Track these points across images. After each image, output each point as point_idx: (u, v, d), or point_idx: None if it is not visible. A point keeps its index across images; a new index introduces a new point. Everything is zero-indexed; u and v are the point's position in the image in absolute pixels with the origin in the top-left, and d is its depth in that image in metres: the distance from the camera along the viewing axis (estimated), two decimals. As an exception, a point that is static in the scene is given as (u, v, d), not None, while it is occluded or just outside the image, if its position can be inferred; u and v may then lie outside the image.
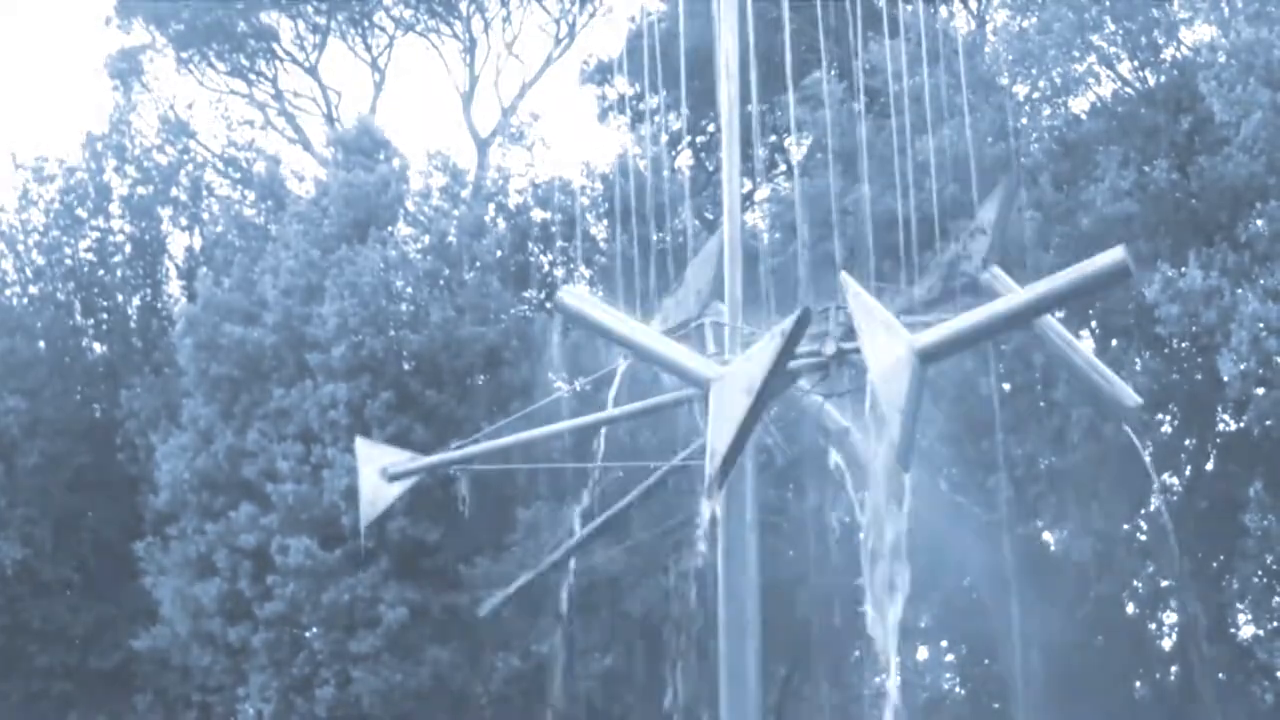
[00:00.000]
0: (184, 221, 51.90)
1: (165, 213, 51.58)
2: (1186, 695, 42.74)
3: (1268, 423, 37.06)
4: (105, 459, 46.71)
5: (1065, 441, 38.76)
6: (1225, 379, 35.92)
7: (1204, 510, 42.11)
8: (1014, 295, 19.00)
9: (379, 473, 22.97)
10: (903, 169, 27.61)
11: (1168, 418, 42.86)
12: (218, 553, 41.29)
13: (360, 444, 24.16)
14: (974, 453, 39.93)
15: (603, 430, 25.01)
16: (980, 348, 33.79)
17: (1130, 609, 44.51)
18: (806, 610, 41.44)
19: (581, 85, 53.90)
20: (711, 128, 49.61)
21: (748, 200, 48.22)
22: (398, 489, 23.01)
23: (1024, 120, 42.31)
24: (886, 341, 18.16)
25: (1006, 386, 39.69)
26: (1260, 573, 40.90)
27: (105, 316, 50.30)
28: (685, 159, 51.08)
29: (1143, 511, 43.27)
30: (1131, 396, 21.85)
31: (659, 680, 40.06)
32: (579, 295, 21.00)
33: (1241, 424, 38.73)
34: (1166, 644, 45.08)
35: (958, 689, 48.46)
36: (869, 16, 30.80)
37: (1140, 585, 43.89)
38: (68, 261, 49.60)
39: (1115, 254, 18.13)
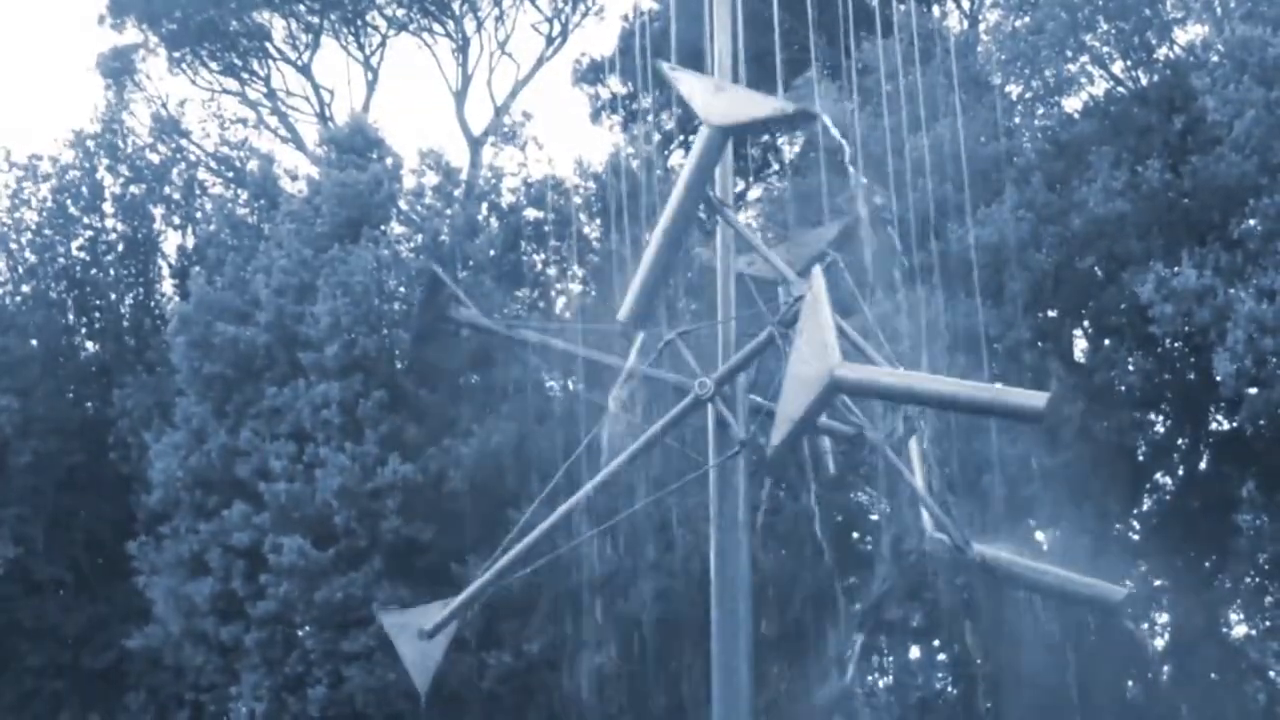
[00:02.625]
0: (177, 220, 51.94)
1: (158, 211, 51.63)
2: (1178, 695, 42.80)
3: (1261, 422, 37.09)
4: (98, 458, 46.68)
5: (1058, 441, 38.78)
6: (1219, 378, 35.93)
7: (1196, 510, 42.16)
8: (937, 380, 19.19)
9: (416, 635, 22.69)
10: (896, 168, 27.61)
11: (1160, 417, 42.92)
12: (210, 552, 41.29)
13: (385, 619, 23.82)
14: (967, 451, 39.95)
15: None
16: (972, 344, 34.10)
17: (1123, 608, 44.56)
18: (799, 609, 41.48)
19: (574, 85, 53.91)
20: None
21: (740, 199, 48.25)
22: (443, 641, 22.74)
23: (1017, 120, 42.33)
24: (814, 355, 18.41)
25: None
26: (1253, 572, 40.97)
27: (98, 315, 50.28)
28: (678, 158, 51.05)
29: (1135, 511, 43.35)
30: (1115, 590, 21.95)
31: (652, 679, 40.18)
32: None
33: (1234, 423, 38.77)
34: (1159, 644, 45.15)
35: (950, 689, 48.47)
36: (862, 16, 30.78)
37: (1133, 584, 43.92)
38: (60, 260, 49.60)
39: (1038, 397, 18.50)
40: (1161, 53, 41.72)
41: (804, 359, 18.61)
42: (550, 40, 58.01)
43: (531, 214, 45.91)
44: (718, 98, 20.49)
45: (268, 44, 58.65)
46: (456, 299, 23.35)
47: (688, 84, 20.91)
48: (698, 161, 20.40)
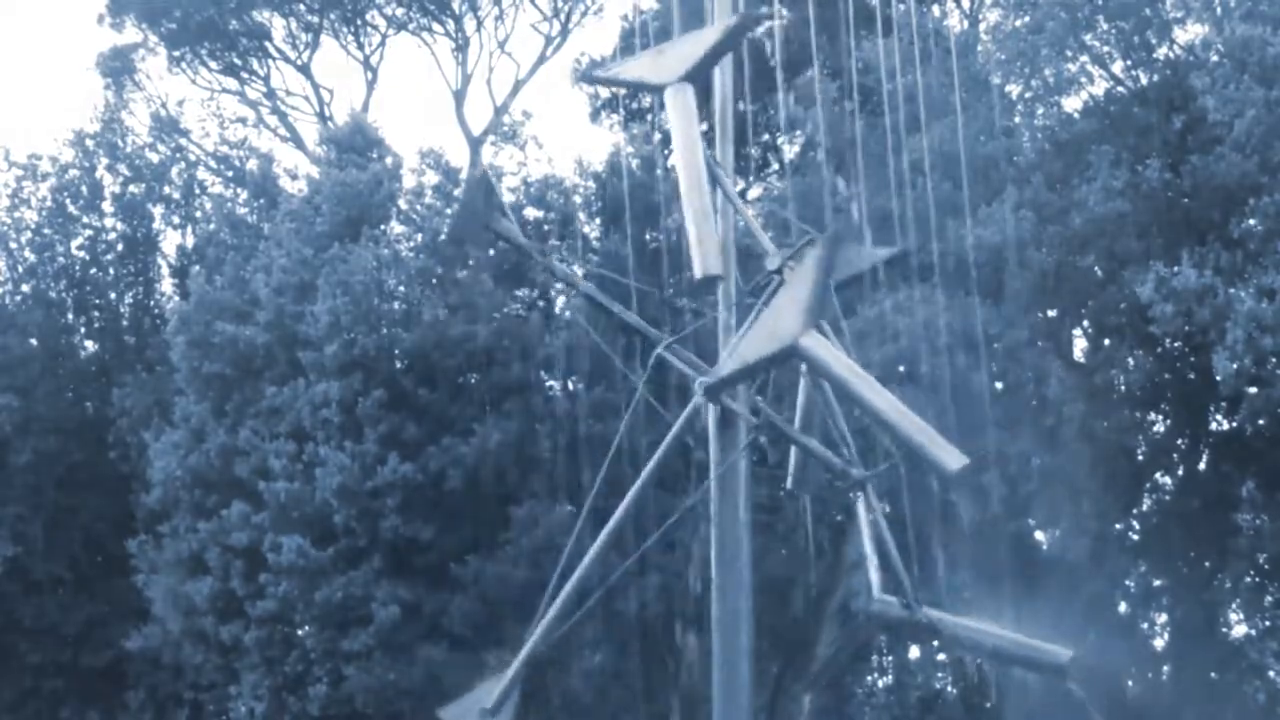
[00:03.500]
0: (176, 220, 51.95)
1: (157, 211, 51.63)
2: (1178, 695, 42.78)
3: (1260, 421, 37.10)
4: (97, 457, 46.67)
5: (1058, 439, 38.79)
6: (1219, 377, 35.94)
7: (1196, 509, 42.14)
8: (883, 396, 18.95)
9: (479, 718, 22.36)
10: (896, 168, 27.61)
11: (1160, 417, 42.91)
12: (210, 551, 41.26)
13: (445, 715, 23.52)
14: (966, 450, 39.89)
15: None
16: (972, 344, 34.24)
17: (1123, 607, 44.58)
18: (799, 609, 41.50)
19: (574, 84, 53.81)
20: (704, 126, 49.50)
21: (741, 198, 48.14)
22: (508, 716, 22.42)
23: (1017, 119, 42.34)
24: (791, 314, 18.53)
25: (999, 385, 39.77)
26: (1252, 572, 40.95)
27: (97, 314, 50.29)
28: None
29: (1134, 511, 43.32)
30: (1062, 653, 21.87)
31: (653, 677, 40.18)
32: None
33: (1234, 423, 38.78)
34: (1159, 643, 45.14)
35: (950, 689, 48.50)
36: (862, 15, 30.82)
37: (1132, 584, 43.95)
38: (60, 259, 49.61)
39: (956, 459, 18.38)
40: (1161, 52, 41.73)
41: (781, 313, 18.77)
42: (550, 40, 57.98)
43: (531, 213, 45.88)
44: (662, 59, 20.45)
45: (267, 43, 58.61)
46: (501, 210, 23.16)
47: (629, 70, 20.91)
48: (682, 126, 20.37)
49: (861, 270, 23.29)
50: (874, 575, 21.79)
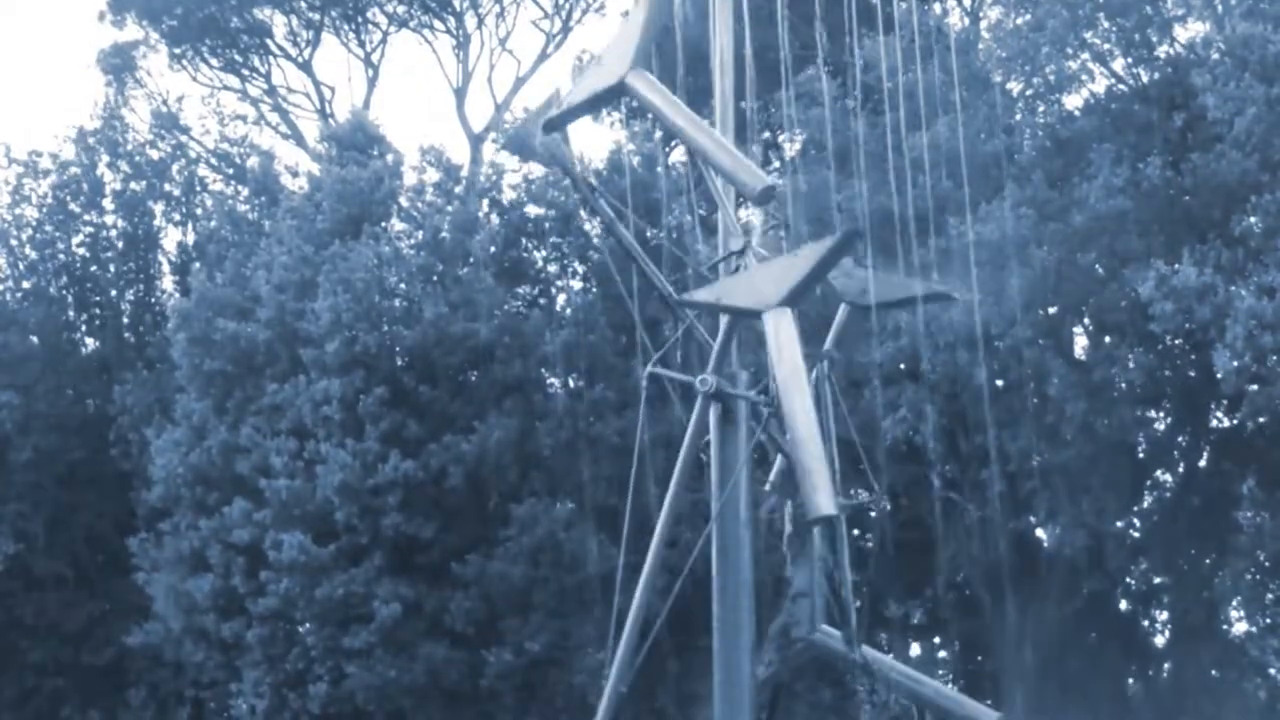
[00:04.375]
0: (177, 217, 51.94)
1: (158, 208, 51.62)
2: (1178, 692, 42.83)
3: (1261, 419, 37.12)
4: (98, 454, 46.66)
5: (1058, 437, 38.81)
6: (1219, 375, 35.97)
7: (1197, 507, 42.19)
8: (802, 406, 18.70)
9: None
10: (897, 165, 27.58)
11: (1161, 414, 42.94)
12: (211, 548, 41.28)
13: None
14: (967, 447, 40.03)
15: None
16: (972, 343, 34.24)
17: (1123, 605, 44.62)
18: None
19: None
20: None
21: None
22: None
23: (1017, 117, 42.35)
24: (775, 283, 18.55)
25: (1000, 383, 39.78)
26: (1253, 569, 40.99)
27: (98, 311, 50.29)
28: (679, 155, 51.03)
29: (1135, 508, 43.35)
30: (989, 714, 21.89)
31: (654, 676, 40.16)
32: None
33: (1235, 421, 38.77)
34: (1159, 640, 45.17)
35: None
36: (863, 13, 30.76)
37: (1133, 582, 43.98)
38: (61, 256, 49.61)
39: (830, 506, 18.07)
40: (1162, 50, 41.73)
41: (771, 275, 18.78)
42: (551, 37, 58.06)
43: (532, 211, 45.89)
44: (606, 62, 20.65)
45: (268, 40, 58.71)
46: (564, 136, 23.10)
47: (581, 91, 20.99)
48: (657, 95, 20.46)
49: (898, 299, 23.28)
50: (819, 605, 21.79)
